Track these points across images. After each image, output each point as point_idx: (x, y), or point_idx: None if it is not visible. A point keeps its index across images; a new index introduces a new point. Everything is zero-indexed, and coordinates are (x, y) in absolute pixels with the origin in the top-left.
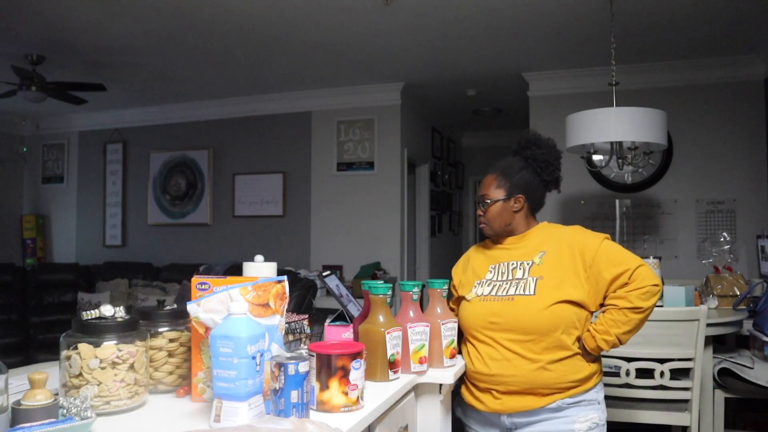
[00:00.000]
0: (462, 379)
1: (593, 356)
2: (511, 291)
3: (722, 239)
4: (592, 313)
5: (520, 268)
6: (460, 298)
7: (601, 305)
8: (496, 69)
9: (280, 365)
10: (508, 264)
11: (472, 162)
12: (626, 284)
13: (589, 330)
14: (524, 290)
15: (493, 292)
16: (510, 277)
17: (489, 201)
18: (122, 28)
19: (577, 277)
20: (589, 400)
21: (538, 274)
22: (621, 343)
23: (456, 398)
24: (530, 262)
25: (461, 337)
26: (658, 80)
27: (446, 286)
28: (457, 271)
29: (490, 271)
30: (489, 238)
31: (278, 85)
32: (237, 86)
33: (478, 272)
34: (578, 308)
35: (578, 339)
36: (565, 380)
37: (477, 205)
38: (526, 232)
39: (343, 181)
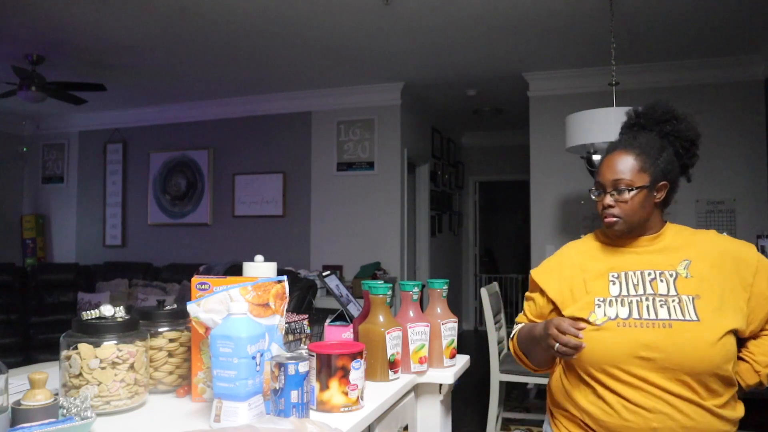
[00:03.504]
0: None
1: (741, 394)
2: (663, 314)
3: None
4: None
5: (661, 281)
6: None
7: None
8: (496, 69)
9: (280, 365)
10: (641, 274)
11: (472, 162)
12: None
13: (747, 361)
14: (682, 314)
15: (636, 314)
16: (650, 292)
17: (633, 188)
18: (122, 28)
19: (735, 297)
20: None
21: (693, 291)
22: None
23: None
24: (673, 273)
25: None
26: (658, 80)
27: (446, 286)
28: (550, 279)
29: (613, 282)
30: (605, 236)
31: (278, 85)
32: (237, 86)
33: (594, 284)
34: (735, 338)
35: None
36: (731, 426)
37: (601, 192)
38: (660, 231)
39: (343, 181)
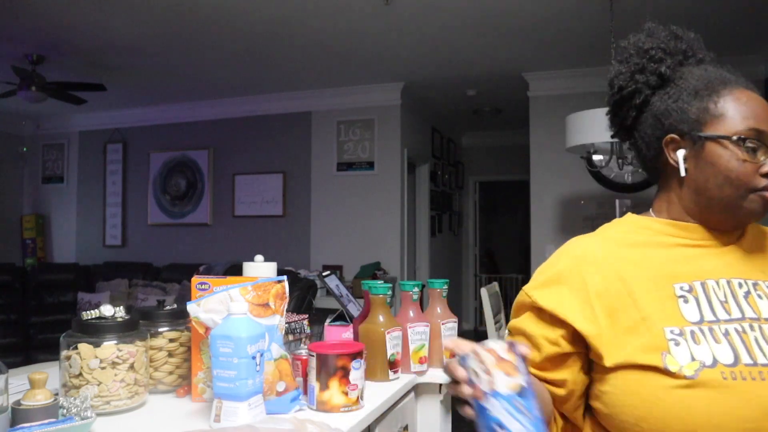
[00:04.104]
0: None
1: None
2: None
3: None
4: None
5: (759, 296)
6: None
7: None
8: (496, 69)
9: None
10: (727, 284)
11: (472, 162)
12: None
13: None
14: None
15: (747, 357)
16: (751, 315)
17: None
18: (122, 28)
19: None
20: None
21: None
22: None
23: None
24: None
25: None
26: None
27: (446, 286)
28: (568, 299)
29: (684, 299)
30: (640, 227)
31: (278, 85)
32: (237, 86)
33: (651, 302)
34: None
35: None
36: None
37: (762, 148)
38: None
39: (343, 181)
